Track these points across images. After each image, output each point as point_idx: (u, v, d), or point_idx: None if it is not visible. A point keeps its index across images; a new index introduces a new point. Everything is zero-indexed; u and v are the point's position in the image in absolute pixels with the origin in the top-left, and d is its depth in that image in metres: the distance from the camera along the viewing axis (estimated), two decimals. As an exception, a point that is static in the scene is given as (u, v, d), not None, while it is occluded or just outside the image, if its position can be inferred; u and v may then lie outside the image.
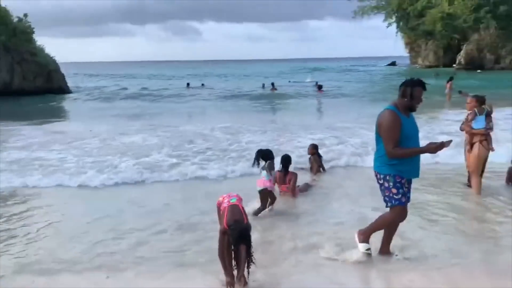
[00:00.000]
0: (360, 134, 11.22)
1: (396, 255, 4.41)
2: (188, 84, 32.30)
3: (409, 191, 4.24)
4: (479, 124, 6.71)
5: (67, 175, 7.84)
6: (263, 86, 28.89)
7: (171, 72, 59.98)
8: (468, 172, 6.99)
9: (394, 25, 56.35)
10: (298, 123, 13.79)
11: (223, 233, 3.82)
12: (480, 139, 6.64)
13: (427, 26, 45.94)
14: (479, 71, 35.76)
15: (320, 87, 25.50)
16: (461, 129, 6.96)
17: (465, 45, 45.49)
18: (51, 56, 27.97)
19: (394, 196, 4.13)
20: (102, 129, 13.11)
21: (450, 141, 4.10)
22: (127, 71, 63.48)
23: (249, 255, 3.78)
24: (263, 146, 7.68)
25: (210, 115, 17.19)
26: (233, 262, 3.95)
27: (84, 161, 8.84)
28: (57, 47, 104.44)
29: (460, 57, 45.81)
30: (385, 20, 56.90)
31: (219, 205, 4.20)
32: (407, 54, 63.16)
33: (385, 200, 4.23)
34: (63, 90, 27.59)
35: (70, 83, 30.39)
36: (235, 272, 3.90)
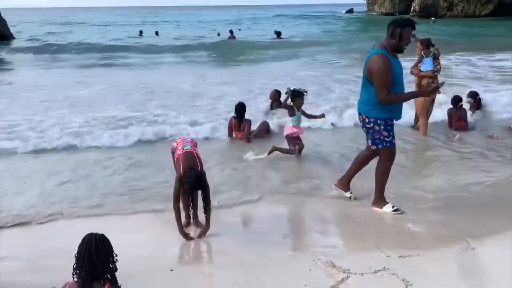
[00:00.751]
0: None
1: (350, 197, 4.56)
2: (141, 32, 30.29)
3: (393, 132, 4.24)
4: (426, 66, 6.95)
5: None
6: (218, 34, 27.83)
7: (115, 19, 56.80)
8: (416, 114, 7.28)
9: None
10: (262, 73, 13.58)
11: (179, 180, 3.83)
12: (428, 81, 6.88)
13: (384, -28, 45.58)
14: (433, 19, 36.18)
15: (279, 34, 24.97)
16: (411, 73, 7.16)
17: (420, -8, 45.73)
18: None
19: (386, 138, 4.11)
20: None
21: (443, 83, 4.13)
22: (74, 18, 59.47)
23: (206, 200, 3.83)
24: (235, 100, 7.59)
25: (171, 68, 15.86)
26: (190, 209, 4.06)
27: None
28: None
29: (415, 5, 46.15)
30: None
31: (173, 151, 4.17)
32: (363, 1, 62.99)
33: (374, 143, 4.18)
34: (5, 36, 25.64)
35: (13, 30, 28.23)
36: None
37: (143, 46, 22.40)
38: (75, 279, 2.31)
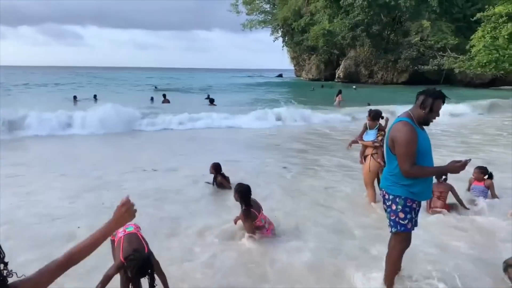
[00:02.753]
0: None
1: None
2: (75, 97, 25.61)
3: (417, 215, 3.77)
4: (369, 137, 6.95)
5: None
6: (152, 99, 25.72)
7: (52, 79, 54.43)
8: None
9: (280, 39, 59.09)
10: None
11: (117, 267, 3.20)
12: (372, 152, 6.87)
13: (310, 42, 48.79)
14: (354, 86, 38.57)
15: (212, 101, 24.13)
16: (349, 144, 7.22)
17: (343, 60, 49.35)
18: None
19: (400, 221, 3.67)
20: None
21: (470, 159, 3.68)
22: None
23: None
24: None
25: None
26: None
27: None
28: None
29: (339, 72, 49.53)
30: (271, 34, 59.41)
31: (113, 238, 3.55)
32: (292, 67, 66.68)
33: (389, 224, 3.75)
34: None
35: None
36: None
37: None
38: None
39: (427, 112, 3.61)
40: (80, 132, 13.65)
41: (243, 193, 5.17)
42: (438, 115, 3.68)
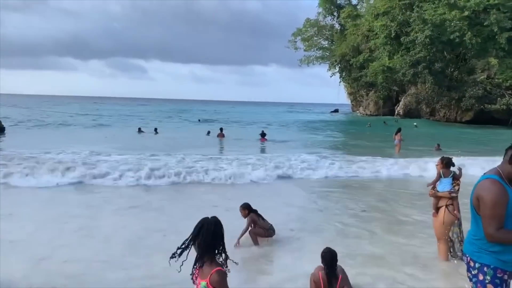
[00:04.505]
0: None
1: None
2: (139, 129, 27.64)
3: (508, 287, 3.29)
4: (444, 186, 6.43)
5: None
6: (208, 133, 26.28)
7: (119, 109, 57.63)
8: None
9: (337, 75, 58.95)
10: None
11: None
12: (446, 203, 6.35)
13: (368, 78, 48.18)
14: (415, 123, 37.24)
15: (263, 135, 23.63)
16: (430, 195, 6.66)
17: (403, 97, 48.07)
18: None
19: None
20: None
21: None
22: (66, 107, 60.38)
23: None
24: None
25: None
26: None
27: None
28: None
29: (399, 108, 48.21)
30: (329, 69, 59.47)
31: None
32: (349, 102, 65.99)
33: None
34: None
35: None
36: None
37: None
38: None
39: None
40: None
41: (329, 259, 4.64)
42: None
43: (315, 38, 62.02)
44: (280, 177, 12.72)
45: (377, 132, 31.21)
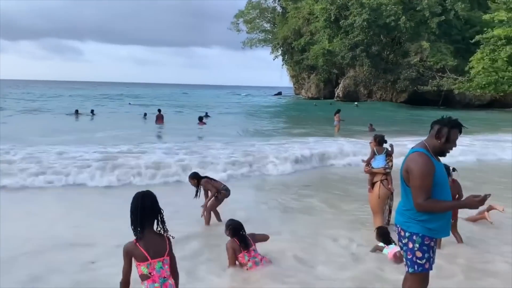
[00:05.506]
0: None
1: None
2: (76, 111, 26.82)
3: (434, 253, 3.54)
4: (378, 163, 6.74)
5: None
6: (145, 115, 25.63)
7: (52, 92, 54.66)
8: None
9: (280, 58, 59.39)
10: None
11: None
12: (381, 178, 6.65)
13: (310, 61, 48.99)
14: (356, 103, 39.01)
15: (201, 119, 22.85)
16: (365, 171, 6.93)
17: (342, 80, 49.49)
18: None
19: (418, 260, 3.44)
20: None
21: (489, 194, 3.50)
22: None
23: None
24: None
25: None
26: None
27: None
28: None
29: (339, 91, 49.61)
30: (272, 52, 59.74)
31: None
32: (291, 85, 66.93)
33: (406, 264, 3.53)
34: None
35: None
36: None
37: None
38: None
39: (443, 143, 3.43)
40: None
41: (235, 229, 5.13)
42: (455, 145, 3.50)
43: (257, 21, 61.84)
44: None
45: (323, 114, 31.82)
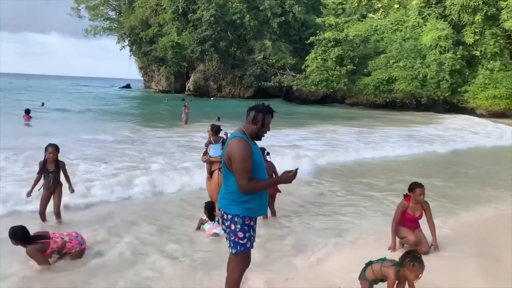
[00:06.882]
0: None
1: None
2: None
3: (255, 232, 3.75)
4: (215, 151, 6.95)
5: None
6: (43, 104, 24.56)
7: None
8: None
9: (128, 48, 56.89)
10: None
11: None
12: (219, 166, 6.85)
13: (158, 53, 48.02)
14: (212, 98, 39.54)
15: (28, 112, 19.84)
16: (203, 161, 7.05)
17: (193, 73, 49.80)
18: None
19: (240, 241, 3.61)
20: None
21: (298, 168, 3.72)
22: None
23: None
24: None
25: None
26: None
27: None
28: None
29: (189, 85, 49.79)
30: (118, 42, 56.78)
31: None
32: (140, 78, 64.75)
33: (229, 246, 3.67)
34: None
35: None
36: None
37: None
38: None
39: (259, 127, 3.68)
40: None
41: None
42: (269, 129, 3.78)
43: (101, 8, 58.15)
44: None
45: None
